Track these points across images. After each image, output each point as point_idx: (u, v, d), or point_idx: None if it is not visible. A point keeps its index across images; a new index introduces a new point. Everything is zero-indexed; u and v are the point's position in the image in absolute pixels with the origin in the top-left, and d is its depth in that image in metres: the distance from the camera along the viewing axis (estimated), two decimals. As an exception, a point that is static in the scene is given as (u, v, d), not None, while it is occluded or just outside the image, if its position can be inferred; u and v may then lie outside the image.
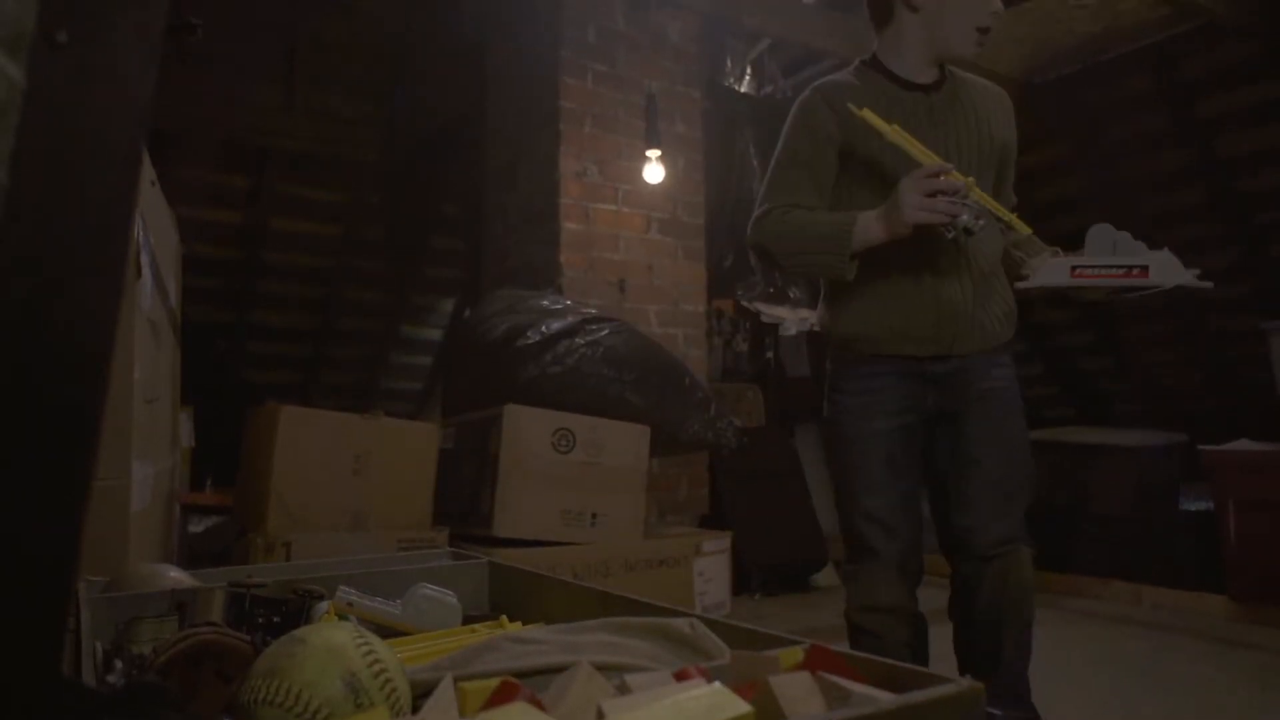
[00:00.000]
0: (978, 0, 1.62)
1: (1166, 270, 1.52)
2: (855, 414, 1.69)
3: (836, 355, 1.77)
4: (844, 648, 0.76)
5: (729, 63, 4.46)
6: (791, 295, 4.42)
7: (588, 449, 2.53)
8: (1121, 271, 1.53)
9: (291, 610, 1.10)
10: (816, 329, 4.83)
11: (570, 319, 2.74)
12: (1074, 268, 1.55)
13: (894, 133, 1.55)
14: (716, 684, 0.64)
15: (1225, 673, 2.55)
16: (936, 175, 1.48)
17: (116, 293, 0.65)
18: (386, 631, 1.07)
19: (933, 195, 1.48)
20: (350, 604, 1.13)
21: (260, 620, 1.08)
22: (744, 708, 0.60)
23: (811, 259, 1.63)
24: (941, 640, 1.76)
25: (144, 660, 0.90)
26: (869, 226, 1.57)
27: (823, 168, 1.66)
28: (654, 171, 3.63)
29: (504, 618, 1.17)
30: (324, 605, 1.11)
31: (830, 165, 1.66)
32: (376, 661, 0.76)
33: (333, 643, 0.76)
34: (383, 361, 6.80)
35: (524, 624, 1.14)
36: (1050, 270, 1.57)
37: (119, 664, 0.92)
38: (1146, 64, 4.15)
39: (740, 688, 0.65)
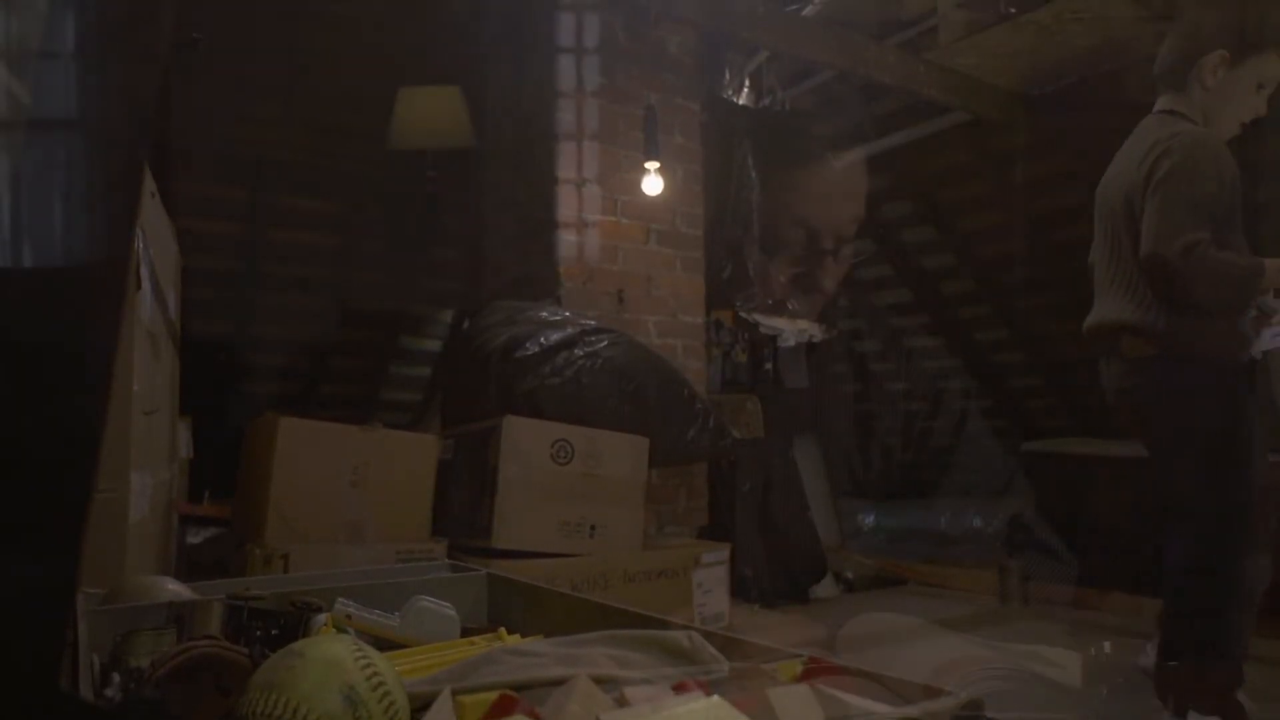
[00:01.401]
0: (1253, 101, 2.01)
1: None
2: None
3: (1216, 365, 1.97)
4: (842, 660, 0.76)
5: (727, 75, 4.47)
6: (790, 307, 4.42)
7: (586, 460, 2.53)
8: None
9: (290, 623, 1.10)
10: (834, 340, 4.69)
11: (569, 330, 2.75)
12: None
13: None
14: (715, 697, 0.64)
15: (1225, 684, 2.54)
16: None
17: (118, 306, 0.65)
18: (385, 644, 1.07)
19: None
20: (348, 616, 1.13)
21: (258, 633, 1.08)
22: (743, 721, 0.60)
23: (1229, 297, 1.93)
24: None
25: (141, 673, 0.90)
26: (1272, 275, 1.88)
27: (1218, 207, 1.93)
28: (653, 183, 3.64)
29: (502, 630, 1.17)
30: (322, 618, 1.11)
31: (1223, 205, 1.94)
32: (375, 674, 0.76)
33: (331, 655, 0.76)
34: (381, 373, 6.79)
35: (523, 636, 1.14)
36: None
37: (116, 677, 0.91)
38: (1143, 74, 4.17)
39: (739, 700, 0.65)
